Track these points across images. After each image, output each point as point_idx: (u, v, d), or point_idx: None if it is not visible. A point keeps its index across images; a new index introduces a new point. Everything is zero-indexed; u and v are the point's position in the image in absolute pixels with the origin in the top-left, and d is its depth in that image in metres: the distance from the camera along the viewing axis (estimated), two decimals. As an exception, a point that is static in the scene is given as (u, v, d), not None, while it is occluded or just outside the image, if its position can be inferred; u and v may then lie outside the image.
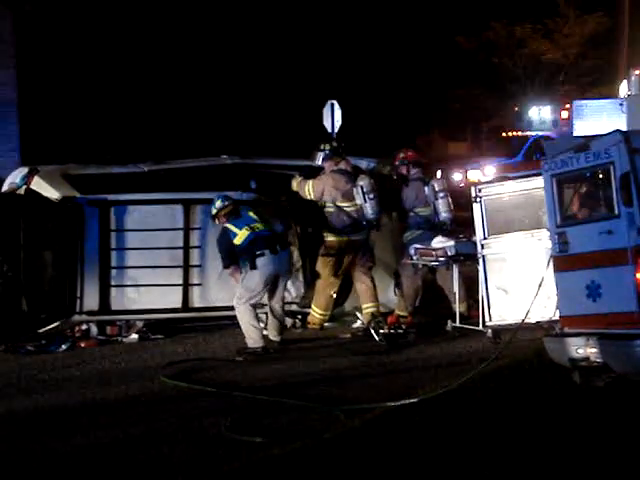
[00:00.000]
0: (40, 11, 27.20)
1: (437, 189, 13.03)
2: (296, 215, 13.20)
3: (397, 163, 13.37)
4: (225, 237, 11.67)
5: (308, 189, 12.67)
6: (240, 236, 11.55)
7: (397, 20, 42.02)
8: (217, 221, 11.87)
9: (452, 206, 13.12)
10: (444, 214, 12.95)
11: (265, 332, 11.84)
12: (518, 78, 46.89)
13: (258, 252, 11.45)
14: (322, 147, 13.03)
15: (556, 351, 8.97)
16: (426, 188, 13.07)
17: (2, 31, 24.66)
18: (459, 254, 12.25)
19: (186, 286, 12.71)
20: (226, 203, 11.83)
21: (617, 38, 37.56)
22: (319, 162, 12.99)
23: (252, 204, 12.21)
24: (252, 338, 11.48)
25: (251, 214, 11.76)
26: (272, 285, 11.63)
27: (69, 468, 7.22)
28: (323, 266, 12.64)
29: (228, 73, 34.43)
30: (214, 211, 11.85)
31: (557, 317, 9.39)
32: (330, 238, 12.63)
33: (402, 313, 12.79)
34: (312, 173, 12.98)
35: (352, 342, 12.13)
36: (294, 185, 12.84)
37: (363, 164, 13.50)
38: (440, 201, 12.97)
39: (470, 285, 12.45)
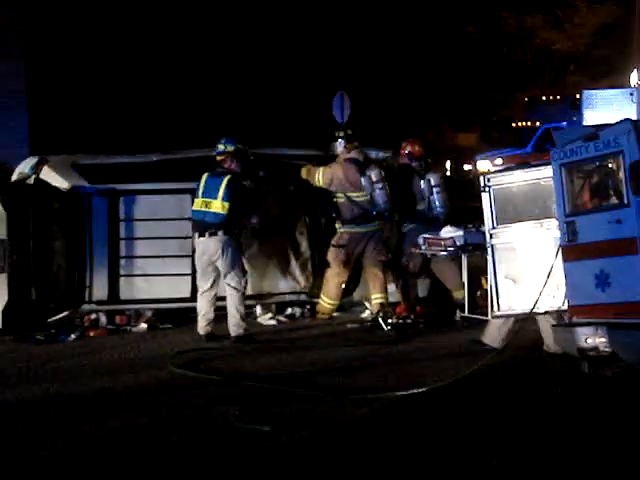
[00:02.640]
0: (47, 1, 27.22)
1: (433, 183, 12.99)
2: (305, 205, 13.20)
3: (405, 157, 13.25)
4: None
5: (318, 176, 12.66)
6: (196, 204, 11.57)
7: (408, 10, 41.91)
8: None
9: (448, 201, 13.07)
10: (438, 209, 12.93)
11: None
12: (528, 68, 46.78)
13: (193, 233, 11.64)
14: (337, 134, 13.03)
15: (565, 340, 8.96)
16: (422, 182, 13.02)
17: (10, 22, 24.73)
18: (468, 244, 12.22)
19: (194, 275, 12.73)
20: (224, 150, 11.77)
21: (628, 28, 37.43)
22: (339, 150, 12.98)
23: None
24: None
25: (222, 184, 11.46)
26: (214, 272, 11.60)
27: (78, 456, 7.23)
28: (334, 256, 12.64)
29: (238, 63, 34.40)
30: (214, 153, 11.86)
31: (566, 307, 9.38)
32: (341, 229, 12.63)
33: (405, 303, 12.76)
34: (322, 163, 12.98)
35: (361, 332, 12.13)
36: (304, 173, 12.83)
37: (372, 154, 13.47)
38: (435, 196, 12.94)
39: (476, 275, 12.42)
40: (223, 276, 11.51)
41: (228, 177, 11.55)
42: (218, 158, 11.78)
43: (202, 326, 11.73)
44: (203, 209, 11.48)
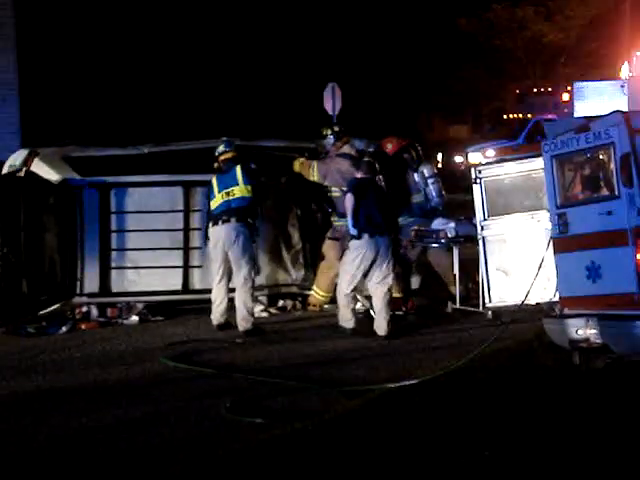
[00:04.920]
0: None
1: (427, 175, 13.02)
2: (297, 197, 13.20)
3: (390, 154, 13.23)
4: (208, 198, 11.88)
5: (312, 171, 12.65)
6: (216, 201, 11.67)
7: (399, 1, 41.88)
8: (215, 165, 11.98)
9: (443, 190, 13.12)
10: (436, 199, 12.96)
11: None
12: (519, 60, 46.80)
13: (213, 222, 11.61)
14: (325, 133, 12.99)
15: (556, 332, 8.97)
16: (416, 175, 13.03)
17: (2, 14, 24.61)
18: (459, 236, 12.25)
19: (186, 268, 12.74)
20: (227, 149, 11.96)
21: (619, 20, 37.43)
22: (328, 148, 12.93)
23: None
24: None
25: (237, 172, 11.70)
26: (227, 262, 11.63)
27: (70, 448, 7.24)
28: (329, 249, 12.63)
29: (229, 55, 34.35)
30: (215, 154, 11.99)
31: (557, 298, 9.39)
32: (336, 222, 12.62)
33: (397, 295, 12.74)
34: (315, 155, 12.98)
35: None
36: (296, 166, 12.82)
37: (362, 145, 13.42)
38: (431, 187, 12.97)
39: (467, 267, 12.45)
40: (234, 264, 11.53)
41: (239, 165, 11.75)
42: (221, 158, 11.92)
43: (216, 317, 11.80)
44: (226, 199, 11.59)
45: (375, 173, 11.65)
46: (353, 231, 11.17)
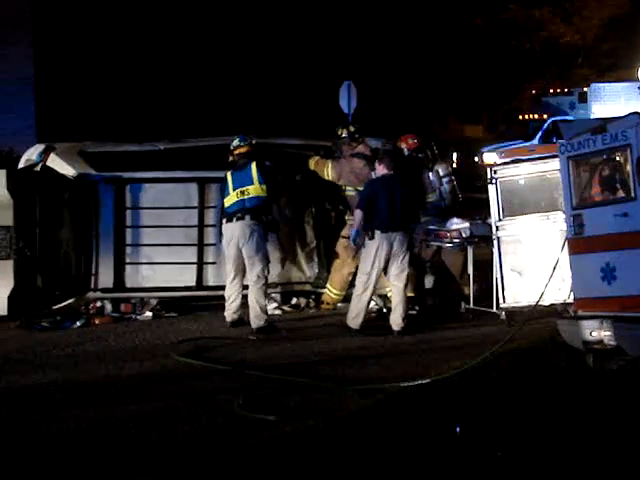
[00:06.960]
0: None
1: (441, 174, 13.00)
2: (312, 195, 13.19)
3: (405, 152, 13.21)
4: (222, 193, 11.82)
5: (326, 170, 12.67)
6: (230, 198, 11.63)
7: (416, 1, 41.81)
8: (230, 159, 11.99)
9: (458, 190, 13.09)
10: (450, 198, 12.95)
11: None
12: (536, 61, 46.66)
13: (227, 219, 11.61)
14: (340, 133, 12.98)
15: (570, 334, 8.96)
16: (430, 174, 13.00)
17: (19, 9, 24.73)
18: (474, 236, 12.23)
19: (200, 264, 12.75)
20: (242, 143, 11.96)
21: (636, 21, 37.31)
22: (343, 148, 12.90)
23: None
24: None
25: (252, 170, 11.67)
26: (241, 259, 11.63)
27: (81, 442, 7.25)
28: (342, 247, 12.63)
29: (246, 52, 34.36)
30: (230, 148, 12.00)
31: (571, 299, 9.38)
32: (351, 221, 12.61)
33: (410, 294, 12.74)
34: (330, 153, 12.99)
35: (365, 322, 12.11)
36: (311, 164, 12.84)
37: (378, 144, 13.40)
38: (445, 186, 12.95)
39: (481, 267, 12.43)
40: (247, 261, 11.54)
41: (255, 162, 11.73)
42: (236, 152, 11.90)
43: (229, 314, 11.84)
44: (241, 198, 11.57)
45: (395, 167, 11.62)
46: (354, 236, 11.28)
